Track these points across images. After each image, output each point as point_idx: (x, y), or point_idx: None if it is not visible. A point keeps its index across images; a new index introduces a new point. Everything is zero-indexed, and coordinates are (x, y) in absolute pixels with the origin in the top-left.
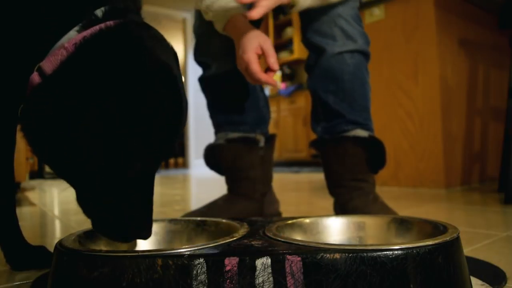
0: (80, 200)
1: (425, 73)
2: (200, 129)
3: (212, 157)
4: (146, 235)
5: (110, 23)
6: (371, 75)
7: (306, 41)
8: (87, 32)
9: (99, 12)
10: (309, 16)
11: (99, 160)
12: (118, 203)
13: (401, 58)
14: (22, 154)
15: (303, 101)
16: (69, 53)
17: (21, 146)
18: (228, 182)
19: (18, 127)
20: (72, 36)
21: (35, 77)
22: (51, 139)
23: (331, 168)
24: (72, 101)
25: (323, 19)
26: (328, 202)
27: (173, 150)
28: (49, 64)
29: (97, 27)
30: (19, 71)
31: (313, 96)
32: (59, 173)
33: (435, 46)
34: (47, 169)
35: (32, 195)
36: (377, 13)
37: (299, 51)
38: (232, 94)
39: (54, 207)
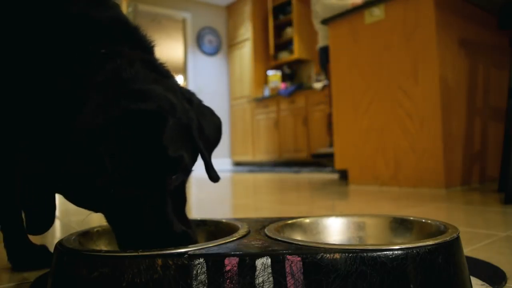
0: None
1: (425, 73)
2: None
3: None
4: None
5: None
6: (371, 75)
7: None
8: None
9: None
10: None
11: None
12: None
13: (401, 58)
14: None
15: (303, 101)
16: None
17: None
18: None
19: None
20: None
21: None
22: None
23: None
24: None
25: None
26: (328, 202)
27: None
28: None
29: None
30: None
31: None
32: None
33: (435, 46)
34: None
35: None
36: (377, 13)
37: (299, 51)
38: None
39: None
